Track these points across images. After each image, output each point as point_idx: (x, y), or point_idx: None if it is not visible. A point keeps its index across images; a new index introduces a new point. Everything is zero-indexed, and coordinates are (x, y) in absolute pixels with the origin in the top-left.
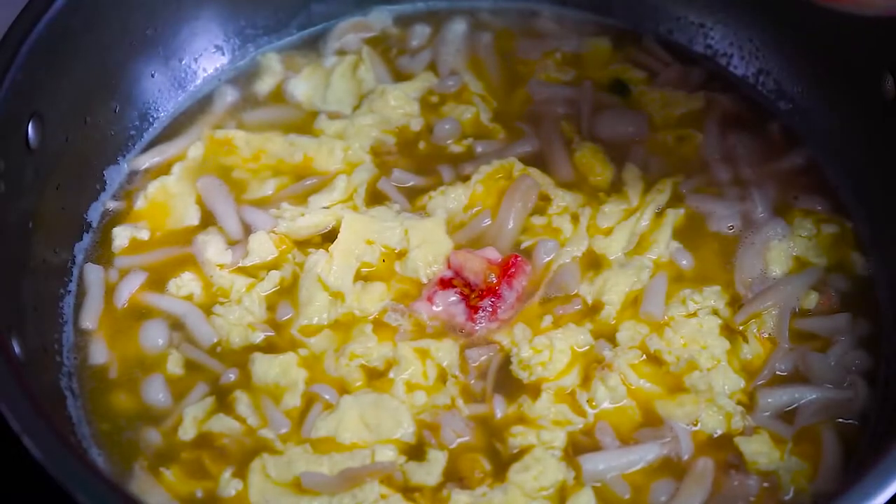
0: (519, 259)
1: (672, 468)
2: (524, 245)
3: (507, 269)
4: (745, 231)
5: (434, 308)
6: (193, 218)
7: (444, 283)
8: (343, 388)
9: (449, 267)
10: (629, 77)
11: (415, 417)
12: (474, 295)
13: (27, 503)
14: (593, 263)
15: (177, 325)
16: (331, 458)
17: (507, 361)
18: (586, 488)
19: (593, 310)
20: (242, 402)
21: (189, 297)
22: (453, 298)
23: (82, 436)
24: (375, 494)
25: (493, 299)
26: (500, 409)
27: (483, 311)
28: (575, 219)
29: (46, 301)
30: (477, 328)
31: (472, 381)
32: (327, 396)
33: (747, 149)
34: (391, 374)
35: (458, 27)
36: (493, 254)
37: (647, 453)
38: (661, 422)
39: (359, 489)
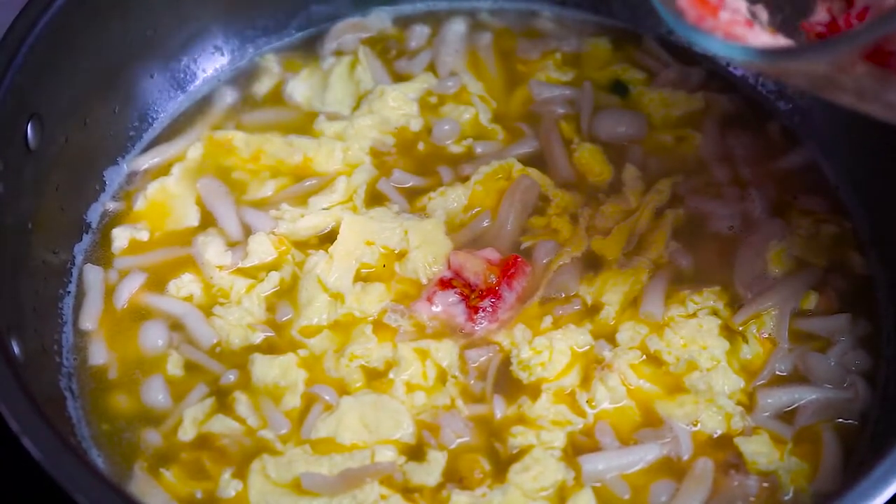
0: (519, 260)
1: (672, 468)
2: (524, 246)
3: (506, 270)
4: (745, 231)
5: (433, 308)
6: (193, 219)
7: (444, 284)
8: (343, 389)
9: (449, 267)
10: (629, 77)
11: (414, 418)
12: (474, 295)
13: (27, 503)
14: (593, 264)
15: (176, 325)
16: (330, 458)
17: (506, 362)
18: (586, 489)
19: (593, 310)
20: (242, 402)
21: (189, 298)
22: (453, 299)
23: (82, 436)
24: (375, 495)
25: (492, 300)
26: (499, 409)
27: (483, 311)
28: (574, 219)
29: (46, 302)
30: (477, 329)
31: (472, 382)
32: (327, 397)
33: (746, 149)
34: (391, 375)
35: (457, 27)
36: (492, 254)
37: (646, 453)
38: (661, 422)
39: (359, 490)
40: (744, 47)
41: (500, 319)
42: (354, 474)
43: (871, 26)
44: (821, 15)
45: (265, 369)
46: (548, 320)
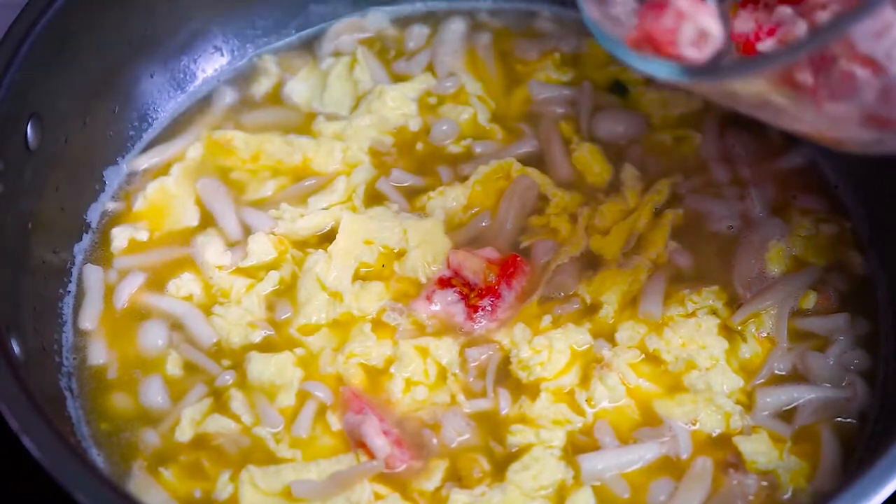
0: (518, 259)
1: (671, 467)
2: (523, 245)
3: (506, 269)
4: (744, 231)
5: (432, 307)
6: (192, 218)
7: (444, 283)
8: (339, 385)
9: (448, 266)
10: (628, 77)
11: (413, 415)
12: (473, 294)
13: (27, 503)
14: (592, 263)
15: (176, 325)
16: (317, 464)
17: (506, 361)
18: (585, 487)
19: (592, 309)
20: (237, 399)
21: (189, 298)
22: (452, 298)
23: (81, 435)
24: (369, 494)
25: (492, 299)
26: (504, 403)
27: (482, 310)
28: (573, 219)
29: (46, 301)
30: (476, 328)
31: (472, 380)
32: (320, 394)
33: (746, 149)
34: (392, 370)
35: (456, 27)
36: (492, 254)
37: (645, 452)
38: (660, 421)
39: (351, 492)
40: (665, 65)
41: (500, 318)
42: (344, 476)
43: (769, 56)
44: (747, 25)
45: (261, 367)
46: (547, 319)
